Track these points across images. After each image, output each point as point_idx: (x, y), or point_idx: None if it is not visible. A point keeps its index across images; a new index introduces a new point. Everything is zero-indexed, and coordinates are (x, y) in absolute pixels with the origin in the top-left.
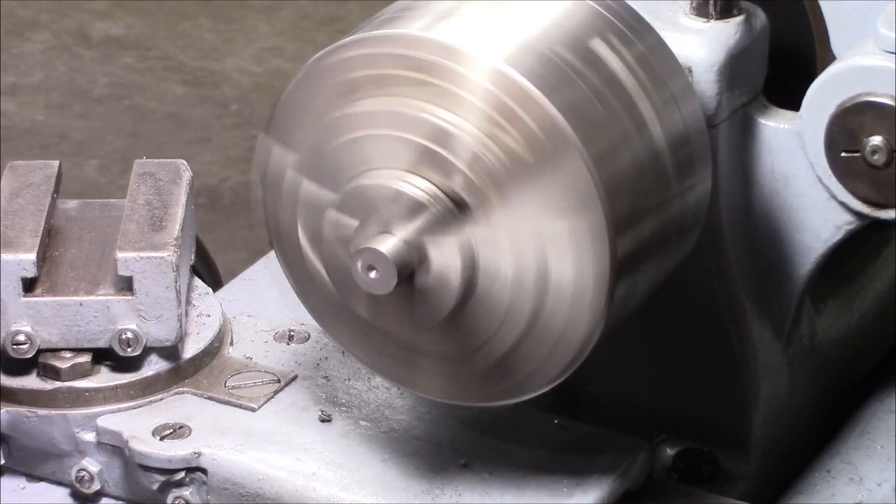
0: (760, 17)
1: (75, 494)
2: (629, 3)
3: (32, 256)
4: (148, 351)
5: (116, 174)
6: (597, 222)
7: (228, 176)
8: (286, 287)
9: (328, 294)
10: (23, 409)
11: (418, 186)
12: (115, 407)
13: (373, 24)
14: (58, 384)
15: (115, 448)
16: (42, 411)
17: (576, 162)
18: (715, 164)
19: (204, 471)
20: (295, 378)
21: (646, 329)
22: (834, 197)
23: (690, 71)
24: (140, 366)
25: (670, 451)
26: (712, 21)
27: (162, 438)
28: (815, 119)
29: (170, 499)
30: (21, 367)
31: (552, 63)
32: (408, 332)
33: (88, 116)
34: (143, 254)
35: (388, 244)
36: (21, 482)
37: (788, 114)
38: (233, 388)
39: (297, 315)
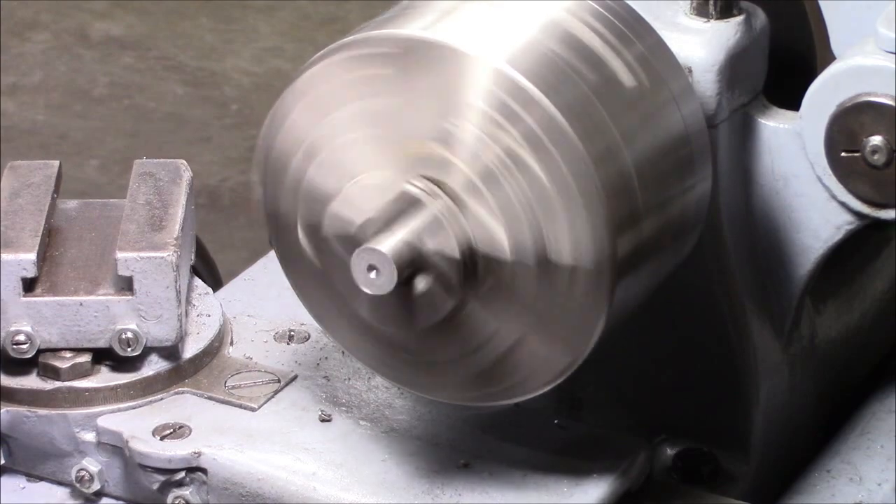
0: (760, 17)
1: (75, 494)
2: (629, 3)
3: (32, 256)
4: (148, 351)
5: (116, 174)
6: (597, 222)
7: (228, 176)
8: (286, 287)
9: (328, 294)
10: (23, 409)
11: (419, 186)
12: (115, 407)
13: (373, 24)
14: (58, 384)
15: (115, 448)
16: (42, 411)
17: (576, 162)
18: (715, 164)
19: (204, 471)
20: (295, 378)
21: (646, 329)
22: (834, 197)
23: (690, 71)
24: (140, 366)
25: (670, 451)
26: (712, 21)
27: (162, 438)
28: (815, 119)
29: (170, 499)
30: (21, 367)
31: (552, 63)
32: (407, 332)
33: (88, 116)
34: (143, 254)
35: (389, 244)
36: (21, 482)
37: (788, 114)
38: (233, 388)
39: (297, 315)
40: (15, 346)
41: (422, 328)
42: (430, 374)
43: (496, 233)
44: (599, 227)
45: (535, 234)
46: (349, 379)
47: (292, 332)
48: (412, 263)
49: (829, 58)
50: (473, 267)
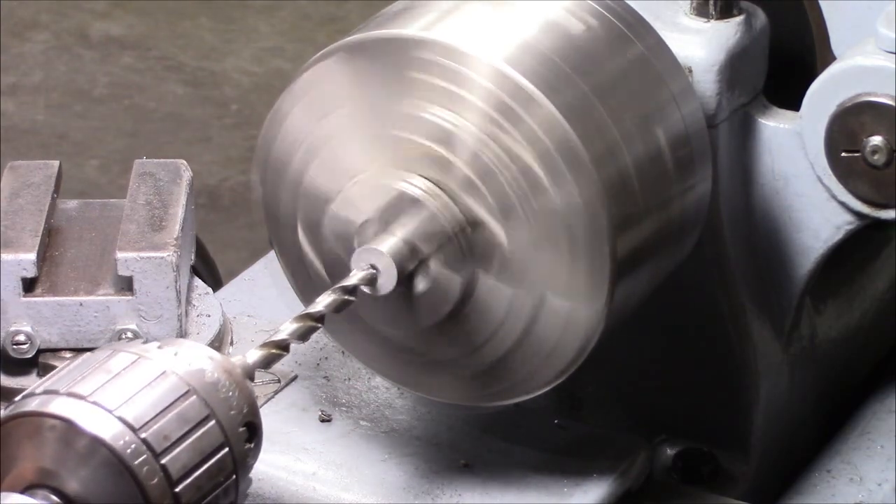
0: (760, 17)
1: None
2: (629, 3)
3: (32, 256)
4: None
5: (116, 174)
6: (597, 222)
7: (228, 176)
8: (286, 287)
9: None
10: None
11: (418, 186)
12: None
13: (372, 25)
14: None
15: None
16: None
17: (576, 162)
18: (715, 164)
19: None
20: (295, 378)
21: (646, 329)
22: (834, 197)
23: (690, 71)
24: None
25: (670, 451)
26: (712, 21)
27: None
28: (815, 119)
29: None
30: (21, 367)
31: (552, 63)
32: (407, 333)
33: (88, 116)
34: (143, 254)
35: (389, 244)
36: None
37: (788, 114)
38: None
39: None
40: (15, 346)
41: (420, 329)
42: (429, 375)
43: (496, 233)
44: (599, 230)
45: (535, 239)
46: (349, 379)
47: None
48: (412, 264)
49: (829, 58)
50: (468, 242)
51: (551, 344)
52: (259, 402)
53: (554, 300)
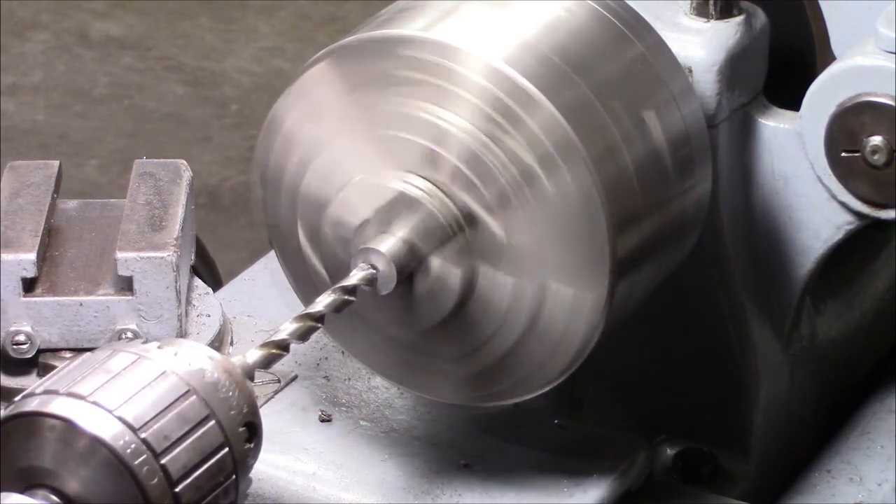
0: (760, 17)
1: None
2: (629, 3)
3: (32, 256)
4: None
5: (116, 174)
6: (597, 223)
7: (228, 176)
8: (286, 287)
9: None
10: None
11: (418, 186)
12: None
13: (372, 25)
14: None
15: None
16: None
17: (576, 162)
18: (715, 164)
19: None
20: (295, 378)
21: (646, 329)
22: (834, 197)
23: (690, 71)
24: None
25: (670, 451)
26: (712, 21)
27: None
28: (815, 119)
29: None
30: (21, 367)
31: (552, 63)
32: (407, 333)
33: (88, 116)
34: (143, 254)
35: (388, 244)
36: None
37: (788, 114)
38: None
39: None
40: (15, 346)
41: (421, 329)
42: (430, 375)
43: (495, 233)
44: (599, 231)
45: (535, 239)
46: (349, 379)
47: None
48: (412, 263)
49: (829, 58)
50: (468, 238)
51: (556, 337)
52: (259, 402)
53: (556, 291)
